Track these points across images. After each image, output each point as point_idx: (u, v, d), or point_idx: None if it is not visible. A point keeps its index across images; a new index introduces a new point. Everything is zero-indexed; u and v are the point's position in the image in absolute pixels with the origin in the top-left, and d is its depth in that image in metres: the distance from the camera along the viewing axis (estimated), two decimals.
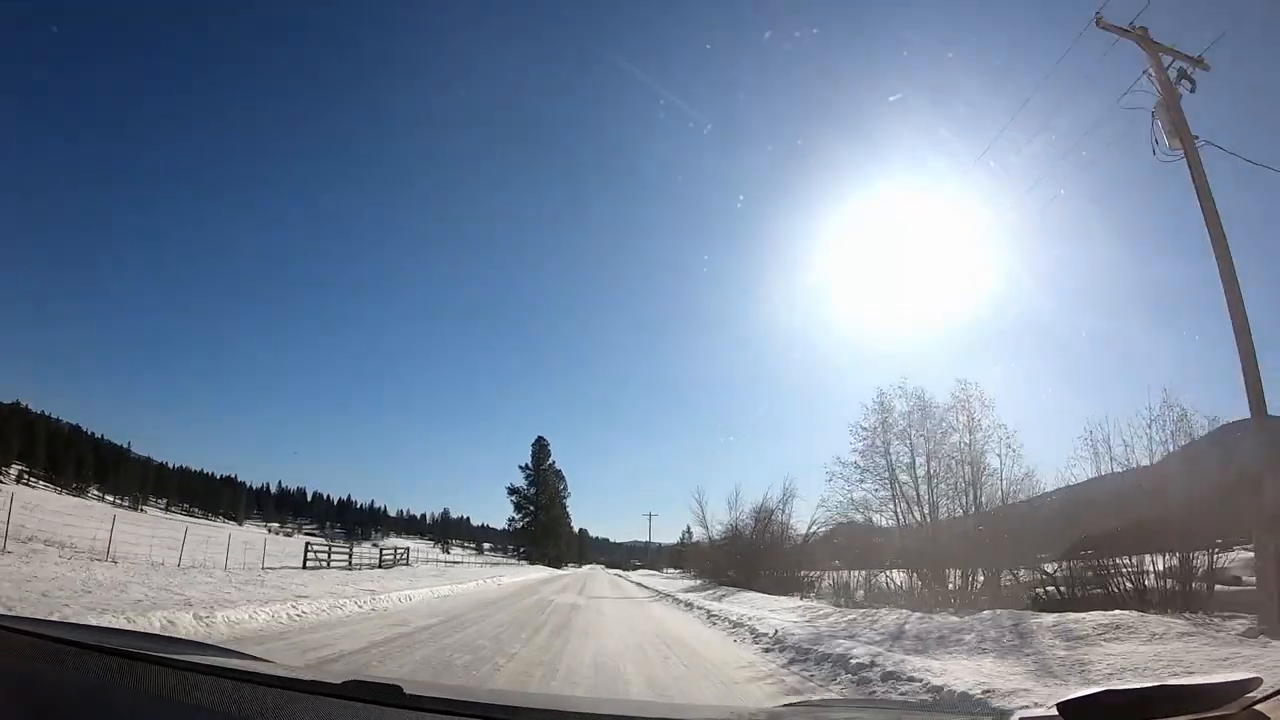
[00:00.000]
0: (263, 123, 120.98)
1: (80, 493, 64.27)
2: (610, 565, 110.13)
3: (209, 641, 2.52)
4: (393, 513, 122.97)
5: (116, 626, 5.16)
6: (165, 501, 79.55)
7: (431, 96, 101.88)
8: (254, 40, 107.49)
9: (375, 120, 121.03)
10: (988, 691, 4.88)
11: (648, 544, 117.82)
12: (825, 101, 57.43)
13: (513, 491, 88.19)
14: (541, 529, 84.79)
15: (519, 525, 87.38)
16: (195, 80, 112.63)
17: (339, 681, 1.34)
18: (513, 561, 71.34)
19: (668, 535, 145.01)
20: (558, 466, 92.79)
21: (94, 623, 5.23)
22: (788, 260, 74.43)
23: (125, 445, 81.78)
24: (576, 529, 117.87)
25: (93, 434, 78.47)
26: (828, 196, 51.05)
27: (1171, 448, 12.39)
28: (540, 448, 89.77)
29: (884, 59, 47.99)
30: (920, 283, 40.28)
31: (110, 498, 67.38)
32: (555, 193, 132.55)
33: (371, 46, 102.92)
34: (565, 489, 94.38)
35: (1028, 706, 2.48)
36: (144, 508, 69.08)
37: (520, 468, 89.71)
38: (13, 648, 1.43)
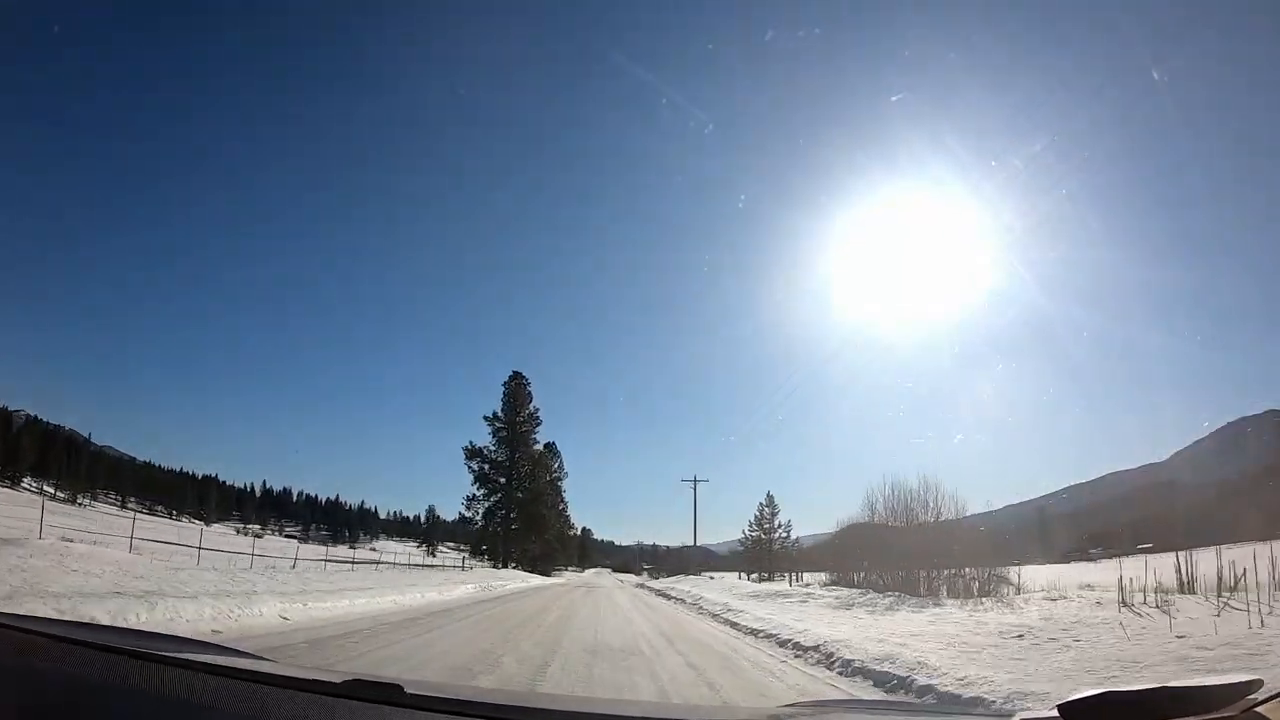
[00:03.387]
0: (259, 120, 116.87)
1: (13, 483, 57.70)
2: (617, 569, 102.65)
3: (211, 640, 2.16)
4: (384, 515, 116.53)
5: (116, 625, 4.55)
6: (122, 497, 72.74)
7: (429, 94, 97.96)
8: (248, 36, 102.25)
9: (373, 119, 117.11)
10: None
11: (652, 547, 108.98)
12: (827, 101, 56.52)
13: (473, 454, 52.45)
14: (519, 512, 52.72)
15: (484, 508, 52.72)
16: (184, 79, 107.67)
17: (340, 681, 1.31)
18: (479, 565, 47.18)
19: (674, 538, 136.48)
20: (549, 439, 60.61)
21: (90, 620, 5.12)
22: (790, 259, 75.05)
23: (85, 436, 75.59)
24: (579, 527, 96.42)
25: (48, 424, 72.15)
26: (830, 196, 49.91)
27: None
28: (516, 387, 54.38)
29: (886, 59, 46.87)
30: (922, 281, 40.58)
31: (51, 489, 60.66)
32: (555, 192, 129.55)
33: (371, 45, 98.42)
34: (560, 467, 61.57)
35: (1028, 707, 2.84)
36: (91, 502, 62.38)
37: (486, 419, 53.63)
38: (11, 644, 1.40)
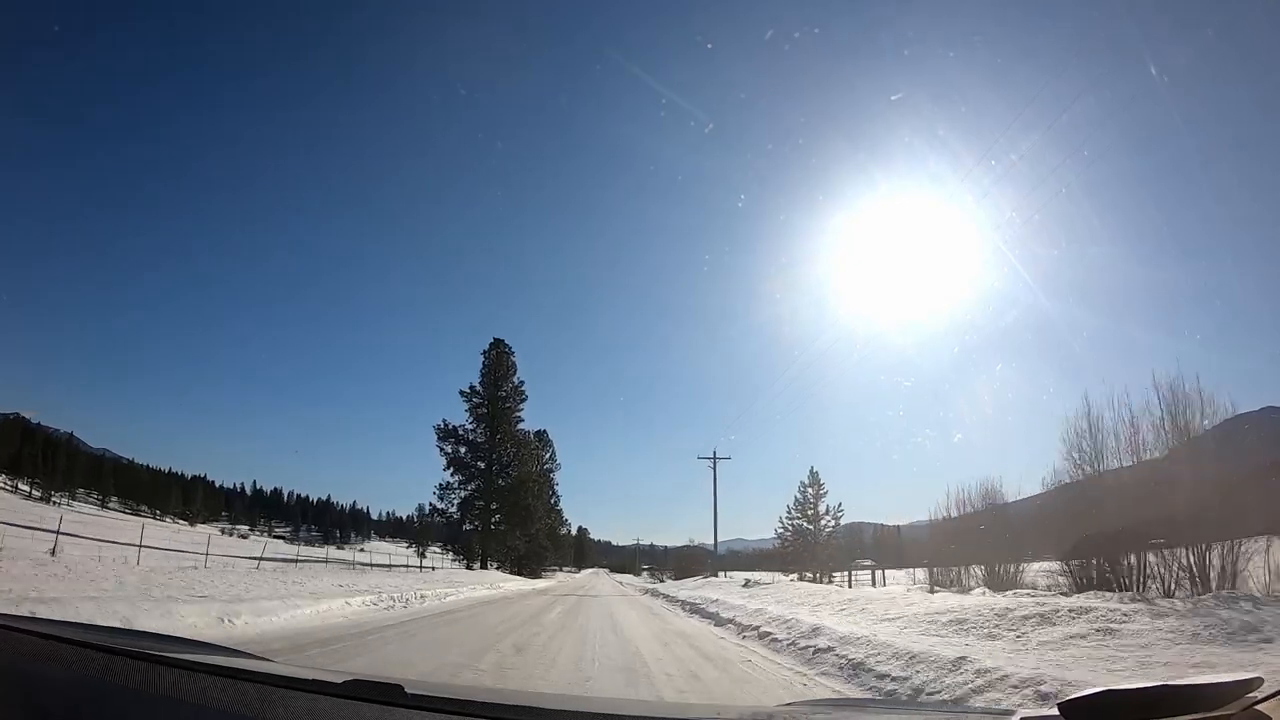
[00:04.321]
0: (259, 122, 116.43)
1: None
2: (615, 570, 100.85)
3: (212, 641, 2.06)
4: (377, 515, 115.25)
5: (117, 626, 4.80)
6: (103, 497, 71.45)
7: (430, 93, 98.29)
8: (247, 37, 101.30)
9: (372, 117, 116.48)
10: None
11: (650, 546, 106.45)
12: (826, 101, 57.16)
13: (446, 435, 44.00)
14: (501, 502, 44.15)
15: (459, 498, 44.11)
16: (183, 80, 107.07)
17: (340, 681, 1.32)
18: (447, 565, 42.00)
19: (673, 538, 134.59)
20: (536, 428, 52.76)
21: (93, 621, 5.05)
22: (789, 259, 72.43)
23: (68, 434, 74.34)
24: (574, 525, 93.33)
25: (28, 421, 70.89)
26: (829, 196, 49.01)
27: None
28: (498, 356, 46.01)
29: (885, 58, 46.56)
30: (921, 281, 39.64)
31: (25, 487, 59.43)
32: (554, 192, 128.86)
33: (371, 44, 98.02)
34: (552, 457, 55.43)
35: (1029, 706, 2.78)
36: (69, 502, 61.00)
37: (462, 394, 45.14)
38: (11, 644, 1.39)
